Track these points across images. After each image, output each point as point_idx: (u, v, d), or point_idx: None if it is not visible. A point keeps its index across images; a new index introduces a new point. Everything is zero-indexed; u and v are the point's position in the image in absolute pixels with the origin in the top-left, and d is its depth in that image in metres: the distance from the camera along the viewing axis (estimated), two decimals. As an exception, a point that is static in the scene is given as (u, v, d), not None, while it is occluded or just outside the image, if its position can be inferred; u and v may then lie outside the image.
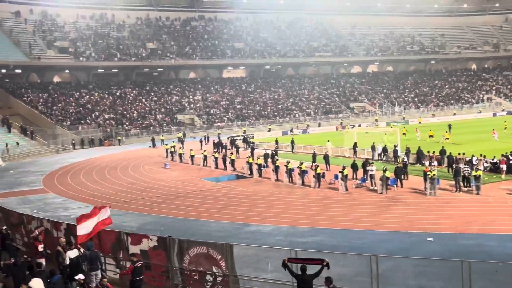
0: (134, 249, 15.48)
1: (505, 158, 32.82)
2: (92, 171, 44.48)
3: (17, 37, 77.84)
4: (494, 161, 33.66)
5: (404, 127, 60.56)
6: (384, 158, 41.48)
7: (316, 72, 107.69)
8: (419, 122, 76.73)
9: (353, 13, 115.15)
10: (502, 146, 42.28)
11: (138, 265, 14.25)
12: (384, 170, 29.67)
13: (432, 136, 52.27)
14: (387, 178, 29.55)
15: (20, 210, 24.79)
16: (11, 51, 73.83)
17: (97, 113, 74.61)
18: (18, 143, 58.19)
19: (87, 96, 78.60)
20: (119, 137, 68.74)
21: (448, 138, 49.29)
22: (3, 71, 74.29)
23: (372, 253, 14.95)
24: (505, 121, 60.48)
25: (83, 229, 15.05)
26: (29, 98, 72.83)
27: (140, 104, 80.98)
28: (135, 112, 78.15)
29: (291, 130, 72.84)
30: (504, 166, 32.29)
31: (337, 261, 15.64)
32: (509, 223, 21.87)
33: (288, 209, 26.74)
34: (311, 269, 12.15)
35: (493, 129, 49.72)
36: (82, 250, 15.37)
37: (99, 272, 15.01)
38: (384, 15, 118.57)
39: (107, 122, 73.15)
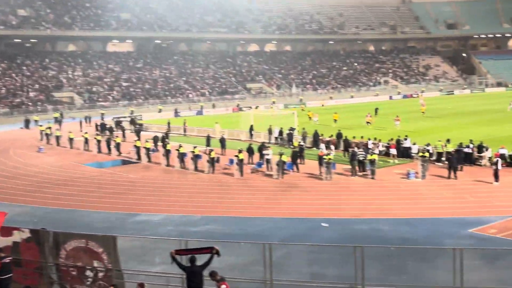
0: (4, 241, 14.60)
1: (395, 143, 35.06)
2: (-50, 156, 41.30)
3: None
4: (388, 145, 35.79)
5: (310, 110, 62.46)
6: (281, 142, 42.61)
7: (211, 49, 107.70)
8: (322, 105, 79.22)
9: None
10: (397, 130, 45.19)
11: (6, 261, 13.49)
12: (281, 155, 30.47)
13: (336, 120, 52.78)
14: (284, 162, 30.38)
15: None
16: None
17: (-44, 89, 69.09)
18: None
19: None
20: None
21: (370, 122, 50.35)
22: None
23: (266, 240, 15.35)
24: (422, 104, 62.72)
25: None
26: None
27: (10, 79, 76.08)
28: (4, 88, 73.35)
29: (176, 112, 71.77)
30: (394, 151, 34.49)
31: (230, 250, 15.90)
32: (402, 207, 23.49)
33: (179, 197, 26.68)
34: (201, 260, 12.22)
35: (397, 116, 50.27)
36: None
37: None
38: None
39: (-31, 99, 68.02)
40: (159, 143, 40.06)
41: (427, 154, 30.22)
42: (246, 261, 15.77)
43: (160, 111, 74.04)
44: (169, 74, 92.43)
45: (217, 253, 12.20)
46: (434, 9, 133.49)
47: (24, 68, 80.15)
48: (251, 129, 45.68)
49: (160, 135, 44.45)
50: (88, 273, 13.84)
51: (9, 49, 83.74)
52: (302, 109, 67.27)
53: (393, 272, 15.63)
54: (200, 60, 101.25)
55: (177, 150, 34.55)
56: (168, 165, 34.96)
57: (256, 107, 74.97)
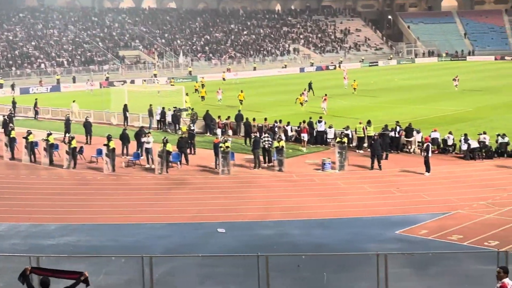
0: None
1: (307, 126, 35.77)
2: None
3: None
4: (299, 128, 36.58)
5: (203, 84, 62.24)
6: (164, 127, 42.36)
7: (70, 4, 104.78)
8: (223, 79, 78.69)
9: None
10: (306, 110, 46.35)
11: None
12: (165, 143, 30.26)
13: (242, 101, 52.64)
14: (169, 152, 30.19)
15: None
16: None
17: None
18: None
19: None
20: None
21: (304, 102, 49.84)
22: None
23: (146, 253, 15.22)
24: (354, 80, 63.75)
25: None
26: None
27: None
28: None
29: (12, 88, 69.15)
30: (305, 136, 35.24)
31: (100, 267, 15.63)
32: (316, 206, 24.14)
33: (29, 200, 25.88)
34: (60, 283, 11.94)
35: (325, 95, 49.83)
36: None
37: None
38: None
39: None
40: (0, 130, 38.60)
41: (345, 140, 31.22)
42: (121, 280, 15.58)
43: (1, 86, 71.06)
44: (13, 38, 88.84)
45: (86, 281, 11.96)
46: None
47: None
48: (125, 110, 44.98)
49: (0, 118, 42.76)
50: None
51: None
52: (196, 87, 65.26)
53: (304, 286, 16.06)
54: (56, 19, 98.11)
55: (25, 138, 33.39)
56: (12, 158, 33.93)
57: (132, 82, 73.94)
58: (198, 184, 28.04)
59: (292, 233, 20.98)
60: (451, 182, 27.23)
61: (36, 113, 49.60)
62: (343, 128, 34.50)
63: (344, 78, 65.45)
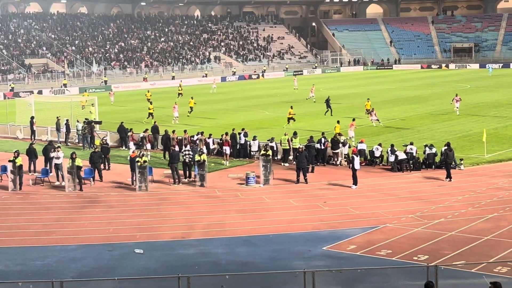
0: None
1: (229, 139, 35.82)
2: None
3: None
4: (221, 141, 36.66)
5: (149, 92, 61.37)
6: (77, 141, 41.79)
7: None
8: (180, 86, 76.37)
9: None
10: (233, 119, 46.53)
11: None
12: (73, 158, 29.70)
13: (191, 109, 52.60)
14: (79, 168, 29.73)
15: None
16: None
17: None
18: None
19: None
20: None
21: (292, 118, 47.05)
22: None
23: (57, 277, 14.92)
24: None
25: None
26: None
27: None
28: None
29: None
30: (227, 149, 35.29)
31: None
32: (240, 222, 24.23)
33: None
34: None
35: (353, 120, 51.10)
36: None
37: None
38: None
39: None
40: None
41: (270, 152, 31.43)
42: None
43: None
44: None
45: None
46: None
47: None
48: (32, 122, 44.10)
49: None
50: None
51: None
52: (146, 95, 64.04)
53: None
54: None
55: None
56: None
57: (39, 92, 72.60)
58: (113, 202, 27.71)
59: (215, 251, 20.97)
60: (379, 195, 27.79)
61: None
62: (268, 140, 34.79)
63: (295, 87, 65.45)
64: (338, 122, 40.09)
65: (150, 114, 50.26)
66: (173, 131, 37.71)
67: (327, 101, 52.87)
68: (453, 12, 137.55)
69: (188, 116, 51.67)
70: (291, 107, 47.23)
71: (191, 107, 53.28)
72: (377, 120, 45.79)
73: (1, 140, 41.63)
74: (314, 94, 62.07)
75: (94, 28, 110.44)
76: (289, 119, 46.01)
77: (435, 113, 51.57)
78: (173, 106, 50.68)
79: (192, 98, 55.09)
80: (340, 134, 36.23)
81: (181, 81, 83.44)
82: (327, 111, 51.56)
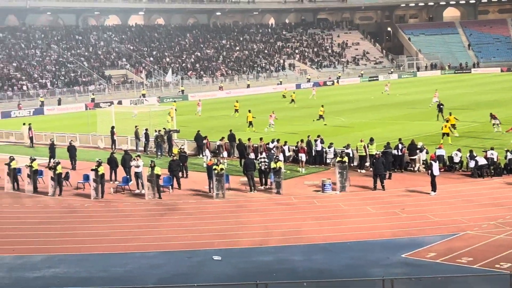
0: None
1: (305, 146, 35.85)
2: None
3: None
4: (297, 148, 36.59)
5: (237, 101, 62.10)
6: (155, 149, 42.37)
7: (53, 22, 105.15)
8: (283, 96, 77.25)
9: None
10: (312, 128, 46.37)
11: None
12: (152, 166, 30.16)
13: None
14: (158, 176, 30.14)
15: None
16: None
17: None
18: None
19: None
20: None
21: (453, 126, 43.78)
22: None
23: (138, 284, 15.16)
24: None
25: None
26: None
27: None
28: None
29: None
30: (303, 156, 35.20)
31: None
32: (316, 230, 24.09)
33: (12, 231, 25.75)
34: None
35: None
36: None
37: None
38: None
39: None
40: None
41: (346, 159, 31.22)
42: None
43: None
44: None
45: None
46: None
47: None
48: (113, 132, 44.96)
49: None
50: None
51: None
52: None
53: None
54: (38, 39, 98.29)
55: (7, 164, 33.35)
56: (-5, 186, 33.70)
57: (119, 103, 74.06)
58: (192, 209, 27.97)
59: (292, 259, 20.91)
60: (458, 202, 27.20)
61: (32, 139, 48.22)
62: (344, 147, 34.50)
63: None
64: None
65: (250, 122, 50.25)
66: (249, 139, 37.84)
67: (439, 106, 51.42)
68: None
69: (314, 121, 51.65)
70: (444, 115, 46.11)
71: (320, 115, 50.83)
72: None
73: (83, 149, 42.61)
74: (438, 99, 57.88)
75: (171, 38, 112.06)
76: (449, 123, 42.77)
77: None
78: (269, 115, 50.65)
79: (322, 106, 53.63)
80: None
81: (285, 88, 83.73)
82: (438, 115, 49.97)
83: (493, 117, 44.50)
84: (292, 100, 68.00)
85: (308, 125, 49.32)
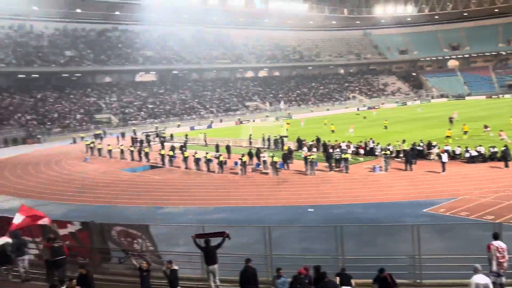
0: (61, 231, 14.53)
1: (363, 144, 35.36)
2: (16, 167, 41.09)
3: None
4: (358, 146, 35.83)
5: (330, 123, 59.91)
6: (274, 147, 42.65)
7: (217, 76, 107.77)
8: (369, 114, 73.87)
9: (245, 27, 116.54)
10: (363, 133, 45.17)
11: (55, 245, 13.19)
12: (272, 156, 30.45)
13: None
14: (275, 162, 30.36)
15: None
16: None
17: (19, 115, 68.87)
18: None
19: (9, 99, 72.27)
20: (38, 136, 64.00)
21: (466, 132, 40.12)
22: None
23: (266, 224, 15.34)
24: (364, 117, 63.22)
25: (18, 219, 13.84)
26: (-50, 102, 65.46)
27: (61, 105, 75.95)
28: (56, 113, 73.19)
29: (178, 126, 71.86)
30: (362, 150, 34.74)
31: (239, 233, 15.85)
32: (371, 194, 23.48)
33: (196, 193, 26.56)
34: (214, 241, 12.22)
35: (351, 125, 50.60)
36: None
37: (26, 257, 13.94)
38: (271, 29, 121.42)
39: (29, 122, 67.81)
40: (178, 151, 39.98)
41: (388, 152, 30.28)
42: (251, 241, 15.75)
43: (178, 126, 73.95)
44: (184, 97, 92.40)
45: (228, 236, 12.20)
46: (389, 39, 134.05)
47: (72, 96, 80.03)
48: (250, 137, 45.69)
49: (178, 145, 44.43)
50: (136, 246, 13.73)
51: (59, 82, 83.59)
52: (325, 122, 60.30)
53: (365, 245, 15.63)
54: (209, 85, 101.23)
55: (193, 156, 34.53)
56: (186, 168, 34.78)
57: (253, 120, 75.05)
58: (295, 182, 27.95)
59: (355, 211, 20.49)
60: (459, 178, 25.67)
61: (205, 141, 49.07)
62: (386, 145, 33.43)
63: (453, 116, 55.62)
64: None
65: (332, 130, 49.84)
66: (328, 140, 37.31)
67: (450, 119, 47.23)
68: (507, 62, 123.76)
69: (387, 127, 50.23)
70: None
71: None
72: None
73: (234, 147, 43.20)
74: (456, 116, 50.12)
75: (282, 83, 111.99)
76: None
77: (498, 125, 46.28)
78: (350, 126, 49.71)
79: (386, 120, 52.74)
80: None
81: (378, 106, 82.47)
82: None
83: (485, 127, 41.71)
84: (364, 117, 67.05)
85: (368, 129, 47.99)
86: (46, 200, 26.36)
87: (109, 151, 44.41)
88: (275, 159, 30.32)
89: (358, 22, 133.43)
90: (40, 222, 14.38)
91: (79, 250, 14.56)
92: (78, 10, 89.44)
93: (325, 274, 10.75)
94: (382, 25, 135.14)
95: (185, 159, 35.32)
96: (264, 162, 31.90)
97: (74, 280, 10.85)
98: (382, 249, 15.02)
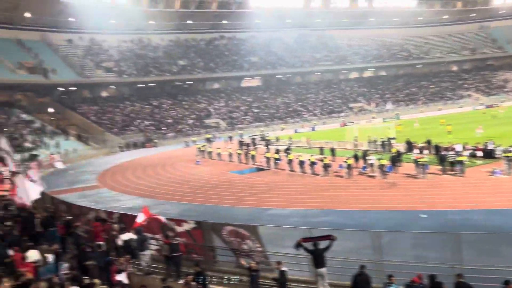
0: (178, 229, 15.57)
1: (481, 146, 32.50)
2: (137, 169, 44.89)
3: (71, 61, 78.94)
4: (474, 148, 33.16)
5: (449, 124, 55.62)
6: (381, 149, 41.15)
7: (320, 78, 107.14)
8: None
9: (349, 28, 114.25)
10: (483, 135, 41.58)
11: (173, 241, 14.11)
12: (379, 159, 29.38)
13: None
14: (383, 165, 29.24)
15: (79, 203, 25.09)
16: (67, 72, 74.89)
17: (138, 121, 75.31)
18: (75, 149, 59.01)
19: (130, 107, 79.41)
20: (155, 140, 69.25)
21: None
22: (61, 89, 75.48)
23: (374, 229, 14.85)
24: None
25: (140, 218, 15.19)
26: (82, 111, 73.81)
27: (174, 112, 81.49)
28: (170, 118, 78.66)
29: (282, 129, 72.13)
30: (479, 152, 32.09)
31: (345, 237, 15.54)
32: (491, 200, 21.51)
33: (302, 195, 26.60)
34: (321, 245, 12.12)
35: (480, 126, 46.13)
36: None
37: (147, 252, 15.14)
38: (376, 28, 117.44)
39: (147, 127, 73.80)
40: (283, 154, 40.40)
41: (511, 154, 27.46)
42: (359, 245, 15.36)
43: (282, 129, 74.85)
44: (288, 101, 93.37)
45: (334, 239, 12.05)
46: (510, 31, 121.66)
47: (184, 103, 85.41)
48: (355, 139, 44.61)
49: (282, 147, 44.91)
50: (244, 247, 14.22)
51: (173, 90, 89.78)
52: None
53: (486, 255, 14.34)
54: (312, 88, 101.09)
55: (298, 158, 34.67)
56: (291, 170, 34.97)
57: (359, 122, 73.26)
58: (405, 186, 26.65)
59: (473, 218, 18.90)
60: None
61: (309, 144, 48.86)
62: (509, 146, 30.32)
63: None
64: None
65: (449, 131, 46.62)
66: (441, 142, 34.98)
67: None
68: None
69: None
70: None
71: (448, 131, 44.82)
72: None
73: (339, 150, 42.61)
74: None
75: (389, 83, 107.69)
76: None
77: None
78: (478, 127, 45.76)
79: (449, 124, 48.84)
80: None
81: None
82: None
83: None
84: (493, 115, 60.88)
85: (497, 128, 44.10)
86: (163, 200, 28.35)
87: (218, 154, 46.42)
88: (383, 161, 29.25)
89: (474, 14, 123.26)
90: (159, 220, 15.56)
91: (194, 247, 15.43)
92: (189, 22, 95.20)
93: (441, 284, 10.08)
94: (501, 17, 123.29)
95: (290, 161, 35.59)
96: (371, 165, 30.93)
97: (190, 276, 11.52)
98: (506, 260, 13.64)
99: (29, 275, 10.45)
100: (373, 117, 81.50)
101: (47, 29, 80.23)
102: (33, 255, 13.05)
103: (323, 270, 12.13)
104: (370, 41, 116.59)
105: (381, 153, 37.52)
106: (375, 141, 41.66)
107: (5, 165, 16.27)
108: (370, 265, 12.57)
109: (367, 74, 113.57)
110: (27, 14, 73.25)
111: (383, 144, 40.20)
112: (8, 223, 17.32)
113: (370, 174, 30.63)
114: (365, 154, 33.24)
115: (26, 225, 17.50)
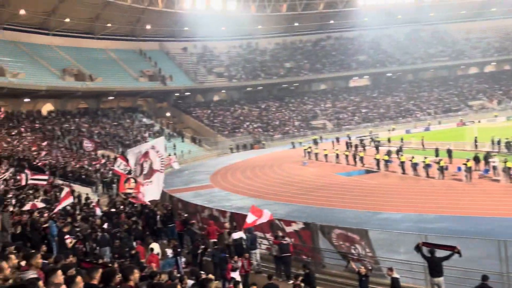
0: (287, 229, 15.80)
1: None
2: (246, 169, 46.39)
3: (186, 67, 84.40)
4: None
5: None
6: (505, 150, 37.39)
7: (434, 75, 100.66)
8: None
9: (467, 20, 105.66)
10: None
11: (284, 242, 14.30)
12: (505, 162, 26.67)
13: None
14: (509, 168, 26.51)
15: (194, 202, 26.61)
16: (182, 78, 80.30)
17: (247, 123, 77.86)
18: (190, 151, 62.95)
19: (240, 110, 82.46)
20: (263, 142, 70.92)
21: None
22: (177, 94, 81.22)
23: (498, 237, 13.55)
24: None
25: (250, 218, 15.69)
26: (196, 114, 78.48)
27: (281, 114, 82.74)
28: (277, 120, 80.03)
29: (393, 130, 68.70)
30: None
31: (465, 245, 14.35)
32: None
33: (414, 199, 25.31)
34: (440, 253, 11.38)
35: None
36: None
37: (257, 251, 15.56)
38: (499, 18, 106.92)
39: (256, 129, 75.96)
40: (394, 155, 38.78)
41: None
42: (481, 255, 14.12)
43: (393, 129, 71.80)
44: (399, 100, 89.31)
45: (459, 252, 11.23)
46: None
47: (290, 105, 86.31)
48: (476, 140, 41.13)
49: (394, 149, 43.08)
50: (353, 251, 13.99)
51: (280, 92, 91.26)
52: None
53: None
54: (425, 86, 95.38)
55: (410, 160, 33.04)
56: (403, 173, 33.48)
57: (478, 121, 67.52)
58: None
59: None
60: None
61: (423, 145, 46.68)
62: None
63: None
64: None
65: None
66: None
67: None
68: None
69: None
70: None
71: None
72: None
73: (456, 151, 39.55)
74: None
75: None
76: None
77: None
78: None
79: None
80: None
81: None
82: None
83: None
84: None
85: None
86: (270, 200, 28.93)
87: (325, 155, 46.07)
88: (508, 164, 26.55)
89: None
90: (268, 219, 15.90)
91: (302, 248, 15.52)
92: (296, 24, 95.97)
93: None
94: None
95: (402, 163, 34.05)
96: (494, 168, 28.27)
97: (300, 277, 11.60)
98: None
99: (154, 267, 11.35)
100: (495, 116, 74.43)
101: (164, 39, 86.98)
102: (156, 248, 14.20)
103: (440, 279, 11.40)
104: (492, 33, 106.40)
105: (505, 155, 34.09)
106: (498, 142, 38.00)
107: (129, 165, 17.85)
108: (494, 277, 11.51)
109: (489, 68, 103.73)
110: (148, 26, 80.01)
111: (507, 145, 36.47)
112: (133, 219, 19.07)
113: (493, 177, 28.02)
114: (487, 156, 30.48)
115: (149, 221, 19.09)
